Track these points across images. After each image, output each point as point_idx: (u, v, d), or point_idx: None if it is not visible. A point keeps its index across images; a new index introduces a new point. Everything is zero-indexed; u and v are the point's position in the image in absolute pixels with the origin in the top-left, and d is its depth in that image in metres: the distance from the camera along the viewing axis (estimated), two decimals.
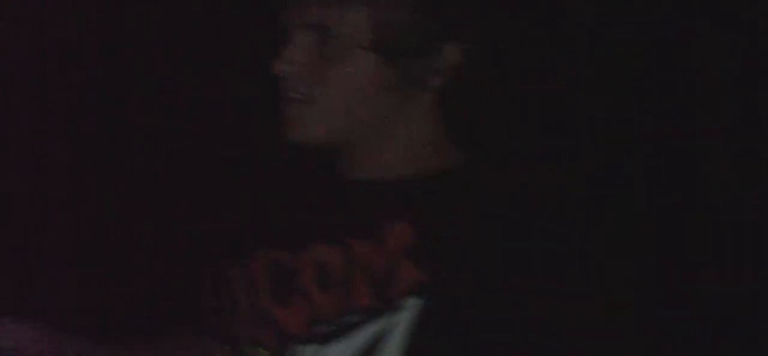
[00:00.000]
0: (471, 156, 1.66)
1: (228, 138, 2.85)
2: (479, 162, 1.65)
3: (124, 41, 2.90)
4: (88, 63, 2.89)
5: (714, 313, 2.80)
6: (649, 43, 2.82)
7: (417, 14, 1.60)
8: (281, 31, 1.64)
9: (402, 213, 1.61)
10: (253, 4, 2.62)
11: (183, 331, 1.80)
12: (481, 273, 1.56)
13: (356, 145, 1.65)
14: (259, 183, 1.76)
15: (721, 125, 2.83)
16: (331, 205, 1.67)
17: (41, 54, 2.86)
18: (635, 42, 2.81)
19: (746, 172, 2.82)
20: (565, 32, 2.72)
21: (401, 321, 1.57)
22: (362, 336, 1.59)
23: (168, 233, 2.83)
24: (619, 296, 1.58)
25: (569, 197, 1.61)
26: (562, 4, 2.71)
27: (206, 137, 2.88)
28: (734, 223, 2.82)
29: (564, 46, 2.72)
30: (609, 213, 1.61)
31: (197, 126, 2.89)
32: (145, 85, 2.89)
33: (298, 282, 1.64)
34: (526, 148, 2.56)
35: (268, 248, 1.67)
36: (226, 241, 1.73)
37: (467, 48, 1.62)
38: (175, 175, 2.89)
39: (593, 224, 1.59)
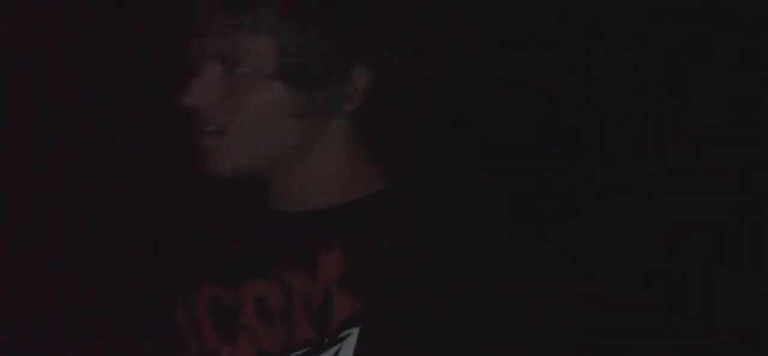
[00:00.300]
0: (394, 179, 1.65)
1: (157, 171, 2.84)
2: (402, 184, 1.64)
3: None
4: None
5: (704, 315, 2.81)
6: (580, 41, 2.82)
7: (322, 40, 1.58)
8: (187, 63, 1.63)
9: (332, 242, 1.60)
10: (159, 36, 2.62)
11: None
12: (415, 295, 1.56)
13: (278, 176, 1.63)
14: (192, 219, 1.75)
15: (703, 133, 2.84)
16: (264, 239, 1.66)
17: (41, 54, 2.86)
18: (551, 41, 2.81)
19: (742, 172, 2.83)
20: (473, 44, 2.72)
21: (345, 351, 1.57)
22: None
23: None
24: (553, 306, 1.59)
25: (492, 211, 1.61)
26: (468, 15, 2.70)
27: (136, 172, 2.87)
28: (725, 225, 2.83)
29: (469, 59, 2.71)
30: (539, 226, 1.61)
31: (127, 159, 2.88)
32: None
33: (241, 319, 1.63)
34: (447, 165, 2.55)
35: (208, 284, 1.67)
36: (167, 278, 1.73)
37: (375, 70, 1.60)
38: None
39: (519, 235, 1.60)
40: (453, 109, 2.58)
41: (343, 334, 1.57)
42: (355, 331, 1.57)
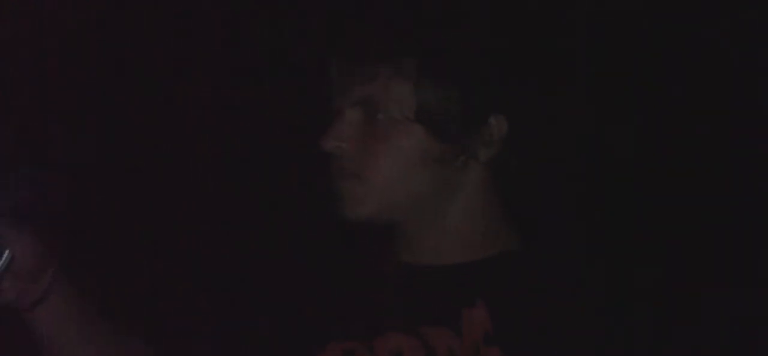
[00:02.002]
0: (529, 236, 1.65)
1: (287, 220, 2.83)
2: (540, 241, 1.65)
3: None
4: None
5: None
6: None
7: (461, 86, 1.59)
8: (330, 109, 1.64)
9: (475, 297, 1.60)
10: (303, 85, 2.61)
11: None
12: (565, 351, 1.56)
13: (413, 225, 1.64)
14: (325, 273, 1.74)
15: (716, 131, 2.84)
16: (400, 292, 1.65)
17: (41, 54, 2.87)
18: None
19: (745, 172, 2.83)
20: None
21: None
22: None
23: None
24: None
25: (631, 271, 1.62)
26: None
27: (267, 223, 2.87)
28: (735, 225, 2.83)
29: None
30: (673, 284, 1.62)
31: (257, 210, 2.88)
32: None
33: None
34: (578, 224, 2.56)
35: (339, 340, 1.66)
36: (296, 337, 1.71)
37: (515, 119, 1.62)
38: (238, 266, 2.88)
39: (660, 297, 1.60)
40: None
41: None
42: None
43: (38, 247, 1.57)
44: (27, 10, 2.82)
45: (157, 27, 2.88)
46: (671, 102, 2.84)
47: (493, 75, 1.62)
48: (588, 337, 1.56)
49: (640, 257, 1.63)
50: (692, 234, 2.82)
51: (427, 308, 1.61)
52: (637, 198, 2.80)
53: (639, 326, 1.58)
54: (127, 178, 2.89)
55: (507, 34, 1.64)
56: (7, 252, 1.52)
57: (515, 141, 1.63)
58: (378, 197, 1.61)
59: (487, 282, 1.61)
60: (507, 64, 1.63)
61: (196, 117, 2.89)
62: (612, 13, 2.75)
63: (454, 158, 1.61)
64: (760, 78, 2.83)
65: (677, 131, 2.84)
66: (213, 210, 2.87)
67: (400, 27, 1.61)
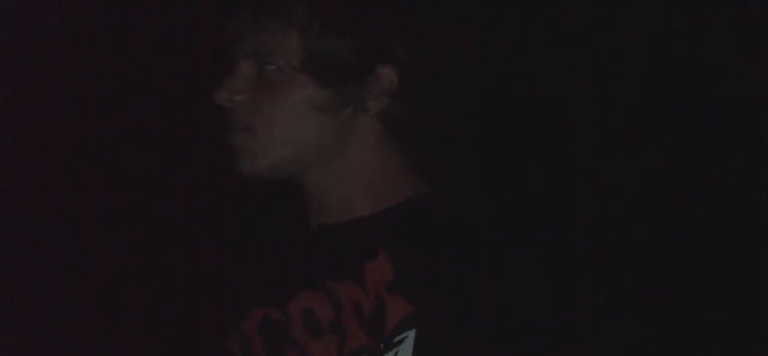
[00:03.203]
0: (429, 185, 1.66)
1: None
2: (440, 189, 1.66)
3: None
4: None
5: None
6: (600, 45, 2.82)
7: (346, 35, 1.60)
8: (226, 62, 1.65)
9: (376, 248, 1.61)
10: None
11: None
12: (466, 294, 1.57)
13: (313, 183, 1.65)
14: (232, 240, 1.76)
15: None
16: (307, 253, 1.67)
17: (41, 54, 2.87)
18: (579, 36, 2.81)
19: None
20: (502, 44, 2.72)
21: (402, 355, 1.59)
22: None
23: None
24: (598, 300, 1.61)
25: (534, 210, 1.63)
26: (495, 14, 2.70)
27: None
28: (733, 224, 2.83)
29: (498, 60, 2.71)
30: (584, 227, 1.62)
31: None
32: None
33: (290, 335, 1.64)
34: (479, 167, 2.55)
35: (257, 306, 1.67)
36: (218, 307, 1.74)
37: (400, 69, 1.62)
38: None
39: (567, 238, 1.61)
40: (483, 114, 2.59)
41: (398, 338, 1.59)
42: (411, 334, 1.58)
43: None
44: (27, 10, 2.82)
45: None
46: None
47: (380, 25, 1.61)
48: (486, 277, 1.57)
49: (536, 202, 1.64)
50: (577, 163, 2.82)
51: (334, 264, 1.63)
52: (533, 146, 2.79)
53: (532, 262, 1.59)
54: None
55: None
56: None
57: (405, 93, 1.62)
58: (271, 150, 1.62)
59: (386, 232, 1.62)
60: (395, 14, 1.63)
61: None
62: None
63: (344, 108, 1.61)
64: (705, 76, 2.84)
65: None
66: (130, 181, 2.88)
67: None
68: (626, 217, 2.81)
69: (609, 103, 2.83)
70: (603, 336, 1.58)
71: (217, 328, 1.70)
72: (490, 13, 2.63)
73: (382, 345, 1.59)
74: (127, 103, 2.89)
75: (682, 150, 2.87)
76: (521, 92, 2.77)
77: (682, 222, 2.86)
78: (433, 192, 1.66)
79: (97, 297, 2.86)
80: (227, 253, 1.74)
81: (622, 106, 2.83)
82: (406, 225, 1.63)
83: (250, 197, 1.69)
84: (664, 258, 2.83)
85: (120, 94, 2.89)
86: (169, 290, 2.75)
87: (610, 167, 2.83)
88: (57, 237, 2.86)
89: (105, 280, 2.88)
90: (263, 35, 1.61)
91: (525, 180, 2.58)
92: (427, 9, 1.64)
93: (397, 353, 1.59)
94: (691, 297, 2.82)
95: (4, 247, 2.82)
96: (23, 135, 2.85)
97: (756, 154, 2.81)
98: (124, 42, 2.89)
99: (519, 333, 1.57)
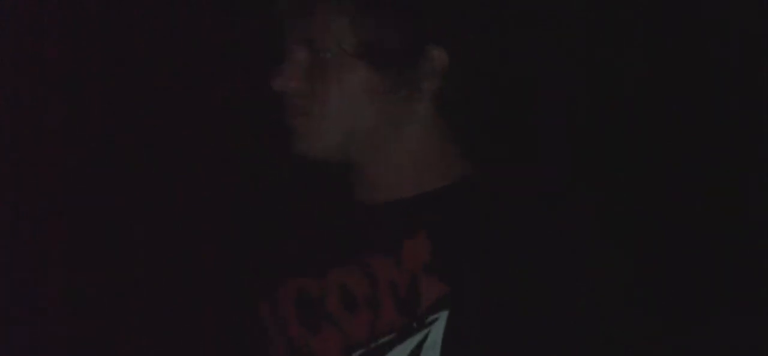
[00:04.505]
0: (477, 165, 1.68)
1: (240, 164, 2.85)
2: (486, 171, 1.67)
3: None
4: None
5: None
6: (645, 43, 2.83)
7: (399, 18, 1.62)
8: (281, 48, 1.68)
9: (416, 229, 1.63)
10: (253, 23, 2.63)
11: None
12: (501, 279, 1.59)
13: (365, 163, 1.68)
14: (275, 212, 1.78)
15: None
16: (348, 229, 1.69)
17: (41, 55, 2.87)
18: (628, 40, 2.81)
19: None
20: (561, 32, 2.73)
21: (434, 335, 1.60)
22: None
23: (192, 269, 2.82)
24: (630, 295, 1.61)
25: (578, 197, 1.64)
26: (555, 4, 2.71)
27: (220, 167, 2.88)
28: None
29: (559, 48, 2.72)
30: (620, 213, 1.63)
31: (211, 158, 2.89)
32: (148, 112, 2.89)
33: (325, 308, 1.66)
34: (528, 152, 2.56)
35: (293, 277, 1.70)
36: (251, 276, 1.76)
37: (454, 51, 1.64)
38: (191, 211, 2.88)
39: (604, 225, 1.62)
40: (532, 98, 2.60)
41: (430, 318, 1.61)
42: (443, 315, 1.60)
43: None
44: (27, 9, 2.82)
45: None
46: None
47: (429, 6, 1.64)
48: (522, 264, 1.59)
49: (584, 195, 1.65)
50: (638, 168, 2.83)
51: (373, 240, 1.65)
52: (585, 134, 2.80)
53: (570, 255, 1.60)
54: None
55: None
56: None
57: (457, 73, 1.64)
58: (327, 133, 1.65)
59: (429, 212, 1.65)
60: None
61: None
62: None
63: (397, 91, 1.64)
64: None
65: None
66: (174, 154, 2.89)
67: None
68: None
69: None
70: (637, 328, 1.59)
71: (252, 296, 1.73)
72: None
73: (415, 324, 1.61)
74: (143, 96, 2.90)
75: (683, 150, 2.87)
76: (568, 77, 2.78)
77: (682, 223, 2.86)
78: (477, 175, 1.67)
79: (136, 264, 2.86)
80: (268, 223, 1.76)
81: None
82: (448, 207, 1.65)
83: (295, 171, 1.71)
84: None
85: (128, 90, 2.90)
86: (205, 257, 2.77)
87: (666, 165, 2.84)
88: (59, 237, 2.87)
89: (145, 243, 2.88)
90: (315, 21, 1.63)
91: (572, 169, 2.58)
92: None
93: (428, 333, 1.61)
94: (691, 297, 2.82)
95: (4, 247, 2.82)
96: (23, 135, 2.86)
97: (756, 153, 2.81)
98: (129, 37, 2.90)
99: (551, 323, 1.58)
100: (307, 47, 1.65)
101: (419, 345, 1.61)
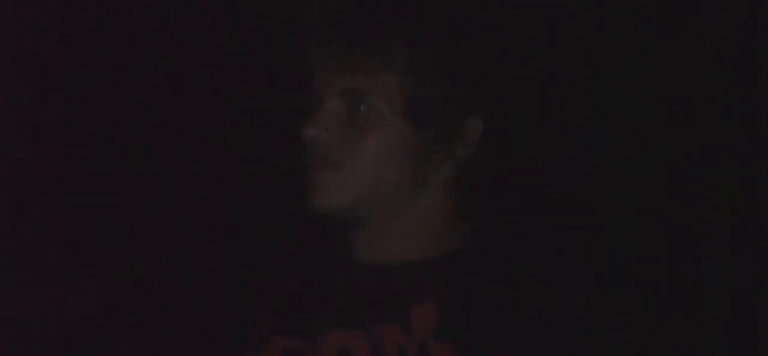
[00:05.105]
0: (485, 231, 1.66)
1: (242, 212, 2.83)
2: (494, 236, 1.66)
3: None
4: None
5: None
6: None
7: (446, 84, 1.61)
8: (311, 98, 1.65)
9: (425, 294, 1.60)
10: (283, 72, 2.61)
11: None
12: (514, 347, 1.57)
13: (378, 223, 1.64)
14: (271, 265, 1.75)
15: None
16: (349, 290, 1.66)
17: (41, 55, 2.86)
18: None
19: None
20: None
21: None
22: None
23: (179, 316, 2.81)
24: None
25: (584, 268, 1.63)
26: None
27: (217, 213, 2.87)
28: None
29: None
30: (626, 281, 1.63)
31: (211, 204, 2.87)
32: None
33: None
34: (535, 217, 2.55)
35: (282, 335, 1.66)
36: (238, 329, 1.73)
37: (488, 122, 1.63)
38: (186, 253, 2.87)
39: (614, 288, 1.62)
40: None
41: None
42: None
43: None
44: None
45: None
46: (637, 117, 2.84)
47: (476, 75, 1.63)
48: (538, 334, 1.57)
49: (593, 259, 1.64)
50: (647, 238, 2.83)
51: (376, 305, 1.62)
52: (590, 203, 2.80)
53: (586, 322, 1.59)
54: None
55: (495, 36, 1.65)
56: None
57: (486, 143, 1.64)
58: (355, 188, 1.62)
59: (438, 278, 1.62)
60: (491, 66, 1.65)
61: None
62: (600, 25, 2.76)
63: (432, 155, 1.63)
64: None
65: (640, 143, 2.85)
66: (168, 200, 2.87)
67: (391, 19, 1.62)
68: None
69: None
70: None
71: (233, 349, 1.70)
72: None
73: None
74: (147, 104, 2.89)
75: (682, 150, 2.87)
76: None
77: (681, 224, 2.86)
78: (485, 240, 1.65)
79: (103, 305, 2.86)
80: (256, 276, 1.73)
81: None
82: (457, 272, 1.62)
83: (294, 224, 1.69)
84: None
85: (128, 90, 2.89)
86: (205, 257, 2.76)
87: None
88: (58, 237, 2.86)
89: (112, 291, 2.88)
90: (359, 75, 1.60)
91: (580, 235, 2.59)
92: (519, 59, 1.66)
93: None
94: (691, 298, 2.82)
95: (4, 247, 2.82)
96: (23, 135, 2.85)
97: (756, 154, 2.81)
98: (129, 37, 2.89)
99: None
100: (346, 99, 1.62)
101: None
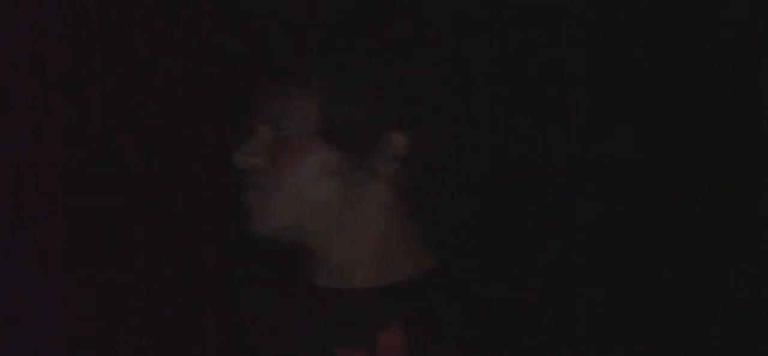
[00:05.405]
0: (444, 258, 1.68)
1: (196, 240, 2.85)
2: (457, 263, 1.67)
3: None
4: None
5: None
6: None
7: (365, 103, 1.63)
8: (243, 125, 1.69)
9: (391, 320, 1.62)
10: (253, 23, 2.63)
11: None
12: None
13: (323, 246, 1.67)
14: (240, 300, 1.77)
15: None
16: (316, 316, 1.68)
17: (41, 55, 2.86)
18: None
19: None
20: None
21: None
22: None
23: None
24: None
25: (556, 288, 1.64)
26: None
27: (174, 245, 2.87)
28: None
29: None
30: (602, 290, 1.63)
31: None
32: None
33: None
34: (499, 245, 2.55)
35: None
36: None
37: (413, 137, 1.64)
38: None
39: (588, 309, 1.62)
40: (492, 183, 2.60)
41: None
42: None
43: None
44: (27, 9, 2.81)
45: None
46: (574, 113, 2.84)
47: (395, 94, 1.65)
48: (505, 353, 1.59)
49: (552, 270, 1.65)
50: (607, 241, 2.83)
51: (343, 331, 1.64)
52: (546, 212, 2.80)
53: (556, 340, 1.60)
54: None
55: (409, 54, 1.67)
56: None
57: (417, 160, 1.65)
58: (280, 210, 1.65)
59: (403, 303, 1.63)
60: (408, 83, 1.66)
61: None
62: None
63: (353, 173, 1.64)
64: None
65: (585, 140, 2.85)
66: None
67: (308, 48, 1.65)
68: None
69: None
70: None
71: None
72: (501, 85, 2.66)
73: None
74: (132, 106, 2.89)
75: (682, 151, 2.87)
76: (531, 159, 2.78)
77: (682, 224, 2.86)
78: (449, 268, 1.66)
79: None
80: (223, 310, 1.75)
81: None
82: (422, 299, 1.63)
83: (255, 255, 1.71)
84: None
85: (128, 90, 2.90)
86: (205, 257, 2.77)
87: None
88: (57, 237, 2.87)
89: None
90: (282, 101, 1.64)
91: (536, 251, 2.59)
92: (441, 79, 1.66)
93: None
94: (691, 299, 2.82)
95: (4, 247, 2.82)
96: (23, 135, 2.85)
97: (756, 154, 2.81)
98: (129, 37, 2.89)
99: None
100: (270, 125, 1.66)
101: None
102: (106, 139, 2.88)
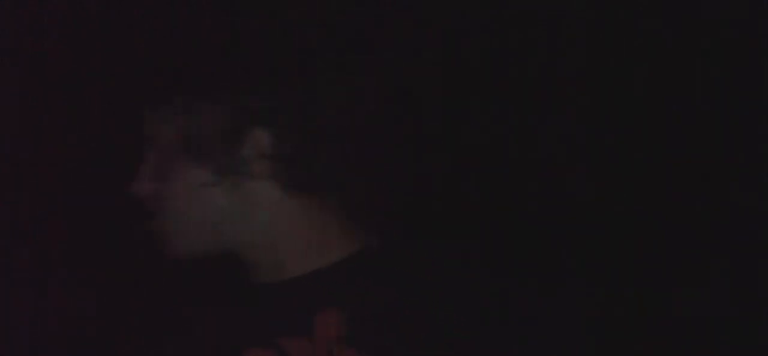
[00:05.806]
0: (371, 238, 1.66)
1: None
2: (382, 242, 1.66)
3: None
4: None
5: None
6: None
7: (213, 107, 1.61)
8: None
9: (325, 302, 1.61)
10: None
11: None
12: (418, 344, 1.58)
13: (244, 250, 1.65)
14: (177, 293, 1.77)
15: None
16: (256, 310, 1.66)
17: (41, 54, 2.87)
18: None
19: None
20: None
21: None
22: None
23: None
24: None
25: (478, 258, 1.64)
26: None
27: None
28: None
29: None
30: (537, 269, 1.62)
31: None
32: None
33: None
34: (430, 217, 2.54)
35: None
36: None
37: (276, 135, 1.61)
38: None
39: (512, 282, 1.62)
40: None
41: None
42: None
43: None
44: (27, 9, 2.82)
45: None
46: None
47: (245, 91, 1.62)
48: (440, 328, 1.58)
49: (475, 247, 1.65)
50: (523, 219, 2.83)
51: (283, 320, 1.62)
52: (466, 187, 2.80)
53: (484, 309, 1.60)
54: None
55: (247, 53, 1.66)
56: None
57: (285, 150, 1.62)
58: (181, 231, 1.63)
59: (338, 285, 1.62)
60: (263, 80, 1.64)
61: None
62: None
63: (230, 178, 1.62)
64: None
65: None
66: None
67: (164, 68, 1.66)
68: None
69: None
70: None
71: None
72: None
73: None
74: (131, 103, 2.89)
75: (683, 152, 2.87)
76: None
77: (681, 224, 2.86)
78: (374, 246, 1.65)
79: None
80: (171, 313, 1.74)
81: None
82: (358, 277, 1.63)
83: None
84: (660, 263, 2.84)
85: (128, 90, 2.90)
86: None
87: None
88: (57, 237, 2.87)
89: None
90: (156, 123, 1.64)
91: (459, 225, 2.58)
92: (295, 70, 1.63)
93: None
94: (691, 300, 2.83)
95: (4, 247, 2.83)
96: (23, 135, 2.86)
97: (756, 153, 2.82)
98: (129, 37, 2.89)
99: None
100: (153, 149, 1.64)
101: None
102: (106, 138, 2.88)
